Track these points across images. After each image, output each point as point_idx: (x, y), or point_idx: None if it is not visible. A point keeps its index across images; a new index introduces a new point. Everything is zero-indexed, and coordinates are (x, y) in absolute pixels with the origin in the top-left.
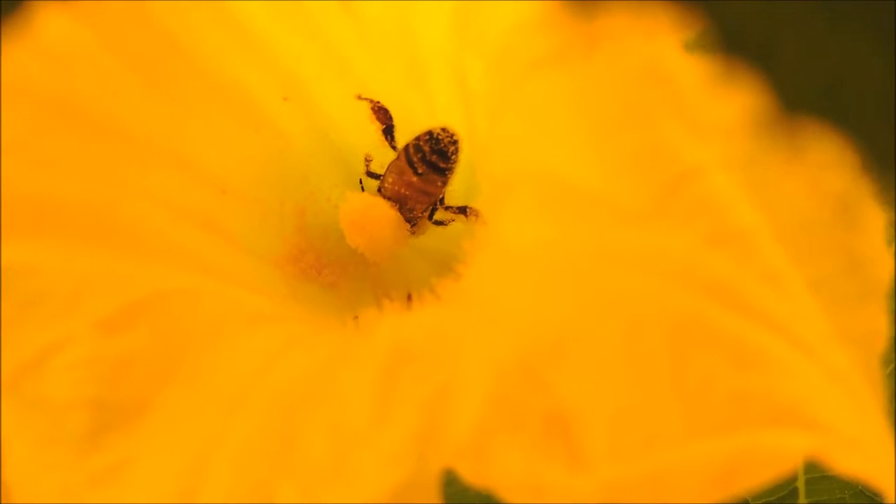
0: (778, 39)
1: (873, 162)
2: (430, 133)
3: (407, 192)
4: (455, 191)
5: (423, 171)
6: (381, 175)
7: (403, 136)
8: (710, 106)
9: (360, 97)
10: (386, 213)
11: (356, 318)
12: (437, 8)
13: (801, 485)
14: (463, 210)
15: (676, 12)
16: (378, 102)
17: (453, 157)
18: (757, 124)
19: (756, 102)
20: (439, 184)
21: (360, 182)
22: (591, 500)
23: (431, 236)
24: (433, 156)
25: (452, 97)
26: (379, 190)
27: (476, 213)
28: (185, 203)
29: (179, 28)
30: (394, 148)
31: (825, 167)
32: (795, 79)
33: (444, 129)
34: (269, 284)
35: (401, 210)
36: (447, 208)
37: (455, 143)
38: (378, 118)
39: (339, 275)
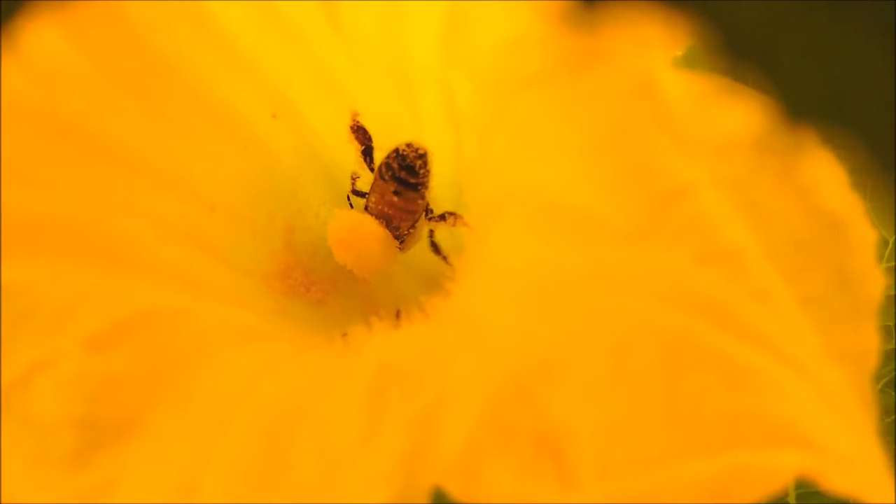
0: (780, 42)
1: (879, 166)
2: (396, 150)
3: (390, 211)
4: (442, 210)
5: (397, 189)
6: (366, 193)
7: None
8: (701, 124)
9: (356, 115)
10: (374, 230)
11: (345, 335)
12: (426, 27)
13: (791, 500)
14: (442, 217)
15: (675, 19)
16: (357, 123)
17: (422, 171)
18: (749, 141)
19: (750, 118)
20: (418, 200)
21: (348, 199)
22: None
23: (420, 254)
24: (402, 172)
25: (441, 116)
26: (366, 208)
27: (455, 217)
28: (173, 220)
29: (168, 46)
30: (371, 170)
31: (816, 185)
32: (798, 83)
33: (408, 145)
34: (258, 301)
35: (387, 227)
36: (430, 219)
37: (422, 156)
38: (356, 138)
39: (328, 291)
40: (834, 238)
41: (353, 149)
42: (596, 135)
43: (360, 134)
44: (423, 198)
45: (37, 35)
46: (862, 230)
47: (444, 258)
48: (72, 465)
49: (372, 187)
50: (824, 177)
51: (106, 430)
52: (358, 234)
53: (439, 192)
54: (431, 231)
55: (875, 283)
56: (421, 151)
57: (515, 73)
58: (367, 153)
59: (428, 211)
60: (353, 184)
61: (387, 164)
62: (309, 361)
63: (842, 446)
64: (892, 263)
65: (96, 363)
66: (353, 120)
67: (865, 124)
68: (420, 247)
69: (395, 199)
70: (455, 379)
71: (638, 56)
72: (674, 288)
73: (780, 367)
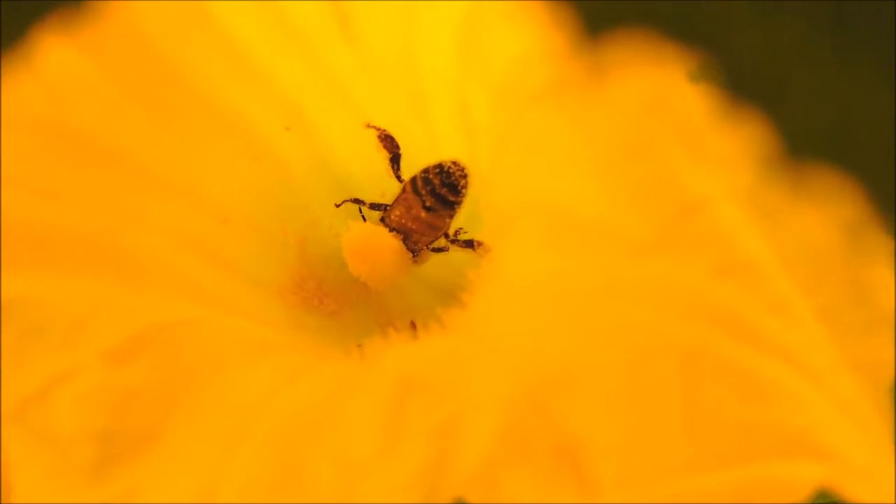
0: (785, 79)
1: (880, 204)
2: (440, 166)
3: (413, 226)
4: (456, 221)
5: (432, 205)
6: (381, 205)
7: (405, 166)
8: (717, 136)
9: (367, 126)
10: (388, 242)
11: (360, 346)
12: (440, 39)
13: None
14: (470, 243)
15: (679, 52)
16: (385, 131)
17: (463, 190)
18: (763, 156)
19: (761, 136)
20: (447, 219)
21: (360, 211)
22: None
23: (435, 265)
24: (443, 189)
25: (455, 128)
26: (382, 220)
27: (483, 247)
28: (187, 232)
29: (181, 58)
30: (398, 178)
31: (832, 197)
32: (802, 121)
33: (454, 163)
34: (272, 314)
35: (404, 241)
36: (453, 241)
37: (465, 176)
38: (385, 146)
39: (341, 303)
40: (850, 249)
41: (367, 160)
42: (611, 147)
43: (389, 142)
44: (451, 217)
45: (51, 47)
46: (878, 242)
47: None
48: (91, 478)
49: (398, 199)
50: (840, 190)
51: (125, 443)
52: (372, 245)
53: None
54: (432, 242)
55: (891, 295)
56: (466, 171)
57: (530, 85)
58: (395, 161)
59: (449, 232)
60: (362, 206)
61: (425, 179)
62: (326, 373)
63: (859, 456)
64: None
65: (114, 376)
66: (380, 129)
67: (868, 162)
68: (433, 259)
69: (424, 214)
70: (474, 391)
71: (652, 68)
72: (691, 299)
73: (798, 378)
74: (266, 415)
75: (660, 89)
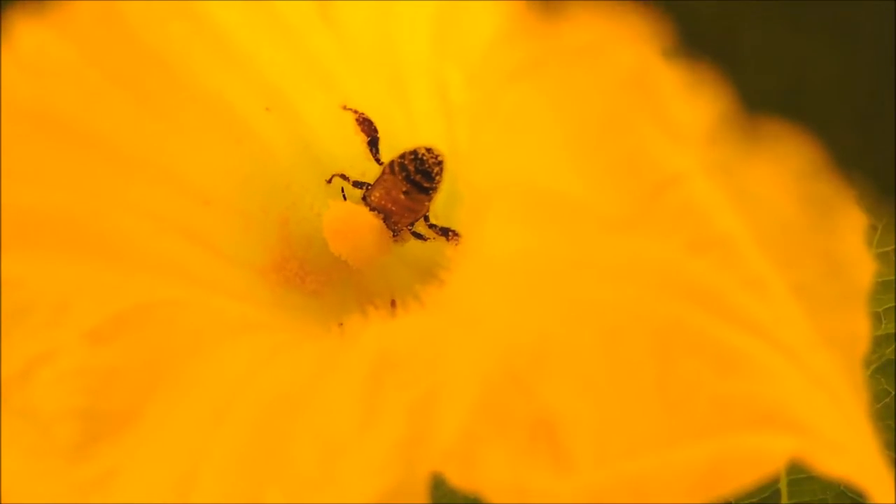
0: (738, 39)
1: (836, 160)
2: (414, 153)
3: (393, 208)
4: (436, 200)
5: (408, 190)
6: (363, 184)
7: (384, 147)
8: (690, 113)
9: (344, 108)
10: (368, 221)
11: (341, 325)
12: (417, 20)
13: (783, 486)
14: (444, 232)
15: (633, 14)
16: (363, 114)
17: (437, 177)
18: (731, 129)
19: (721, 105)
20: (425, 202)
21: (342, 191)
22: (576, 502)
23: (415, 244)
24: (417, 175)
25: (433, 108)
26: (363, 199)
27: (457, 237)
28: (168, 214)
29: (162, 42)
30: (378, 161)
31: (805, 171)
32: (756, 79)
33: (428, 150)
34: (254, 293)
35: (385, 221)
36: (431, 226)
37: (440, 163)
38: (363, 130)
39: (323, 282)
40: (823, 224)
41: (348, 141)
42: (587, 124)
43: (366, 126)
44: (430, 200)
45: (31, 32)
46: (851, 215)
47: (434, 236)
48: (73, 457)
49: (378, 181)
50: (812, 163)
51: (106, 422)
52: (353, 224)
53: None
54: (413, 223)
55: (864, 269)
56: (440, 158)
57: (506, 64)
58: (373, 144)
59: (427, 218)
60: (347, 180)
61: (401, 164)
62: (306, 352)
63: (833, 430)
64: (881, 249)
65: (96, 356)
66: (358, 112)
67: (822, 119)
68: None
69: (403, 197)
70: (451, 367)
71: (626, 46)
72: (665, 275)
73: (772, 353)
74: (247, 393)
75: (635, 66)
